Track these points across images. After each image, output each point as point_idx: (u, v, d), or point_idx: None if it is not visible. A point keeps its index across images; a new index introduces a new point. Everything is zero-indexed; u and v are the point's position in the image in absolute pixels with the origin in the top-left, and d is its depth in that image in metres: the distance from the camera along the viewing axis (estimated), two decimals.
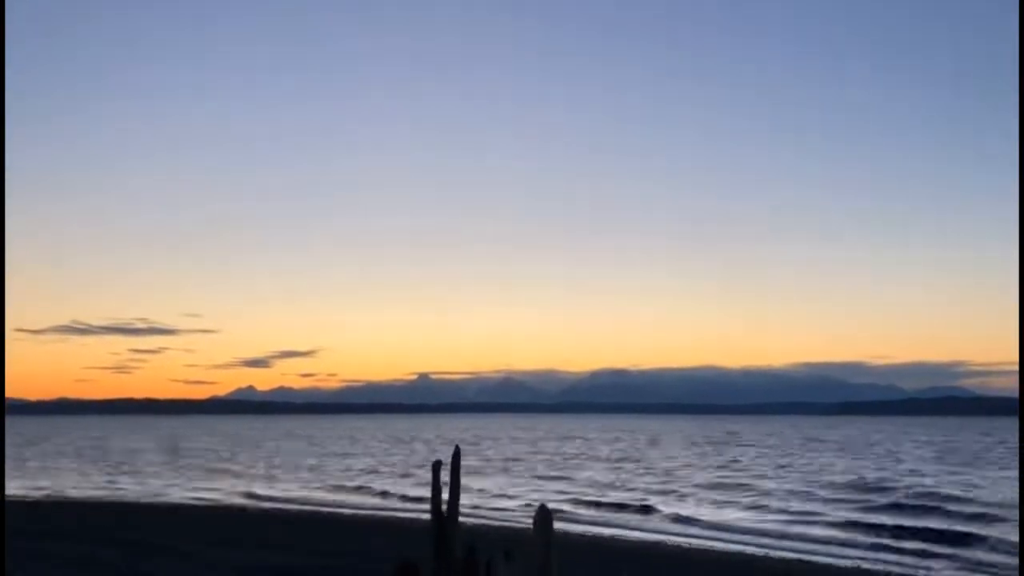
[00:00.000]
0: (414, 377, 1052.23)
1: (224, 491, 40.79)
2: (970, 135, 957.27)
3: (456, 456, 8.89)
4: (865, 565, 20.53)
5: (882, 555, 22.35)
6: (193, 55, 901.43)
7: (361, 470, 53.17)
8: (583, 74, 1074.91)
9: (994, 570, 20.58)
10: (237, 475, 49.48)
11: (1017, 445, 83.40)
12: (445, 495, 8.79)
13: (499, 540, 9.87)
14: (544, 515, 8.69)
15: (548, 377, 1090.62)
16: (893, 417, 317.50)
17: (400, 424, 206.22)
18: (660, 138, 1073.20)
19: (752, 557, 21.38)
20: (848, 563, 20.80)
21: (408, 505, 33.70)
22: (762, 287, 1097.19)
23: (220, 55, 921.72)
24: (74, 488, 40.80)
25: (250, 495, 38.40)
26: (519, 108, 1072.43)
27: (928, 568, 20.61)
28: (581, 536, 24.25)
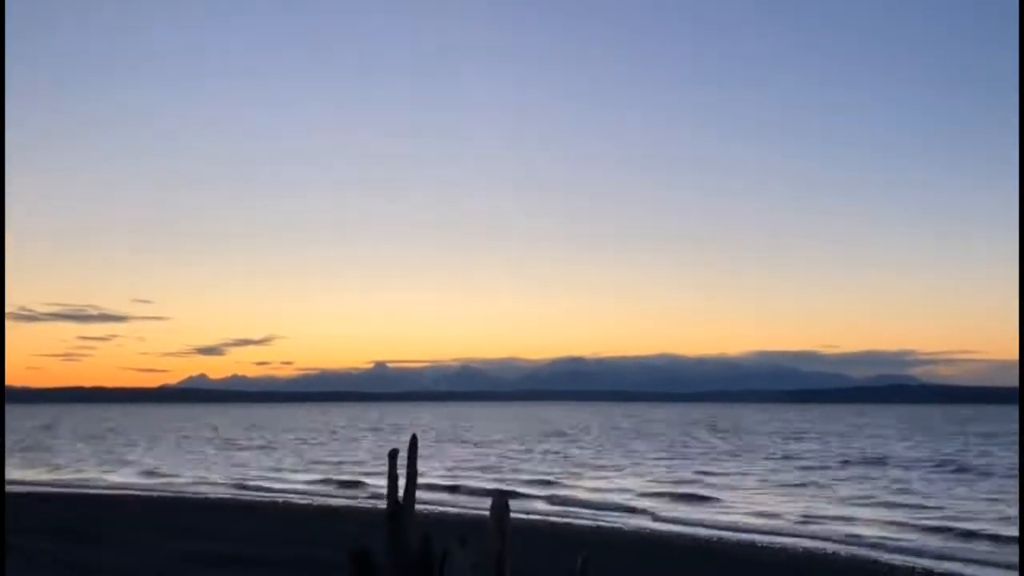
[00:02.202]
0: (371, 365, 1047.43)
1: (161, 478, 40.26)
2: (929, 134, 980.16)
3: (413, 445, 8.77)
4: None
5: None
6: (147, 47, 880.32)
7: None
8: (552, 67, 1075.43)
9: None
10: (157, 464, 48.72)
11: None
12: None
13: (455, 527, 9.78)
14: (500, 502, 8.62)
15: (506, 365, 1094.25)
16: (843, 405, 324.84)
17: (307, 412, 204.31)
18: (618, 129, 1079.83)
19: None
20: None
21: (364, 493, 33.53)
22: (718, 277, 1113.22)
23: (173, 45, 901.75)
24: None
25: (189, 482, 38.00)
26: (480, 93, 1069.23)
27: None
28: (538, 522, 24.35)
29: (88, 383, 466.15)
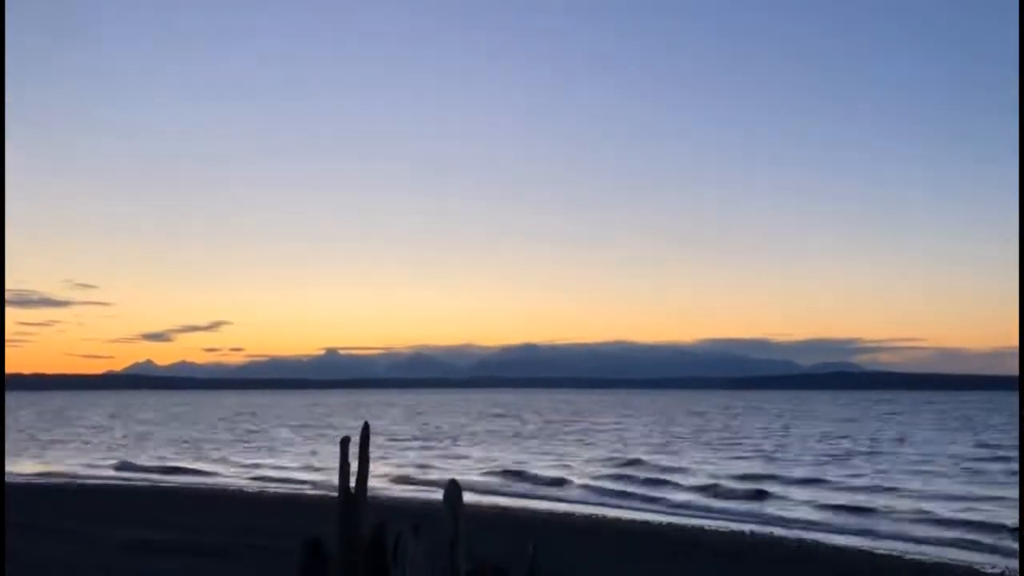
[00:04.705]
0: (322, 352, 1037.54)
1: (105, 466, 39.50)
2: (873, 130, 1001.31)
3: (365, 432, 8.71)
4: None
5: None
6: (99, 34, 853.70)
7: None
8: (500, 55, 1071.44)
9: None
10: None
11: None
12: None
13: (409, 515, 9.76)
14: (454, 489, 8.63)
15: (460, 352, 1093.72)
16: (786, 391, 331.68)
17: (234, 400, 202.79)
18: (573, 118, 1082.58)
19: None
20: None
21: (318, 481, 33.27)
22: (671, 267, 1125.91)
23: (129, 33, 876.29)
24: None
25: (132, 469, 37.47)
26: (436, 84, 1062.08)
27: None
28: (491, 508, 24.44)
29: (28, 370, 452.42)
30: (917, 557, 18.35)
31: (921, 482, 32.31)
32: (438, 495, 9.29)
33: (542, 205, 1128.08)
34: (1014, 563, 17.64)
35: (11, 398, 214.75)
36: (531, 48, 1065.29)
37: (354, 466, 8.77)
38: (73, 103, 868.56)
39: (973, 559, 18.29)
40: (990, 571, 16.94)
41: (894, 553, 18.79)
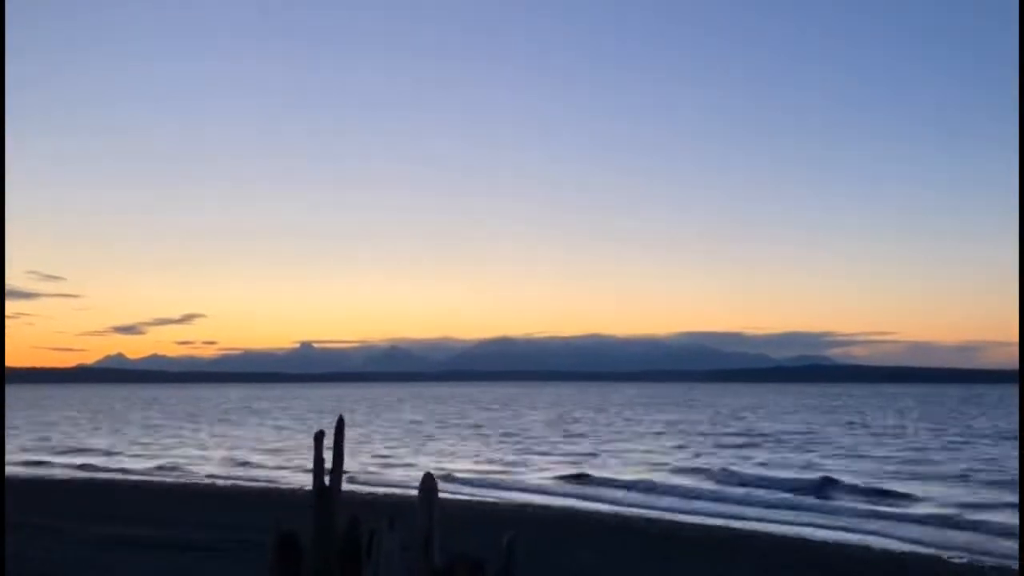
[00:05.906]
0: (296, 346, 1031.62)
1: (86, 463, 39.06)
2: (840, 121, 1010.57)
3: (339, 427, 8.68)
4: None
5: None
6: (70, 25, 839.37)
7: None
8: (472, 46, 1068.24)
9: None
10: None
11: None
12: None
13: (385, 509, 9.73)
14: (429, 482, 8.62)
15: (436, 346, 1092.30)
16: (758, 384, 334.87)
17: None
18: (554, 115, 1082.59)
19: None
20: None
21: (289, 476, 33.11)
22: (647, 261, 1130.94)
23: (94, 24, 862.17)
24: None
25: (117, 467, 36.98)
26: (410, 76, 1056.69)
27: None
28: (467, 502, 24.46)
29: None
30: (887, 547, 18.64)
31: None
32: (413, 489, 9.27)
33: (519, 200, 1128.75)
34: (981, 555, 18.01)
35: None
36: (517, 46, 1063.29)
37: (328, 460, 8.75)
38: (42, 93, 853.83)
39: (940, 552, 18.60)
40: (956, 562, 17.25)
41: (863, 544, 19.08)
